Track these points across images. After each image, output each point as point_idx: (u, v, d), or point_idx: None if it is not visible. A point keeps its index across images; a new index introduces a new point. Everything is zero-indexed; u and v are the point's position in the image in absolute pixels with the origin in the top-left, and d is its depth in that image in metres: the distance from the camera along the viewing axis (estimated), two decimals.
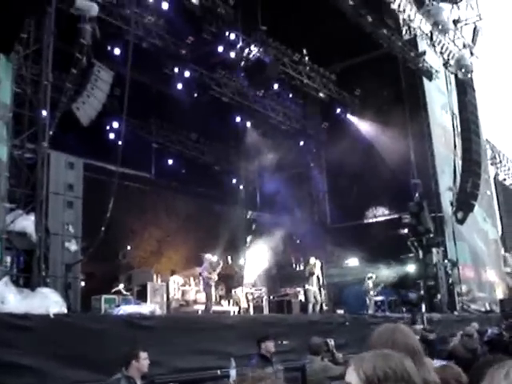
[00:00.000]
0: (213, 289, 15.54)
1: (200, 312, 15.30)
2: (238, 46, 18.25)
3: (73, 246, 10.99)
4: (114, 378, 6.06)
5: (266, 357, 7.97)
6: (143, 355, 6.17)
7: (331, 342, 8.53)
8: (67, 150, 12.23)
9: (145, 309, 11.76)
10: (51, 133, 10.54)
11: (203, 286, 15.51)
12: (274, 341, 8.22)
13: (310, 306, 16.33)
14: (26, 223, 9.47)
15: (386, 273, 21.09)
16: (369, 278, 18.86)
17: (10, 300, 8.14)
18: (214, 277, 15.22)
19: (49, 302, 8.52)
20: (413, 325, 14.07)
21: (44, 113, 10.28)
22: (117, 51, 16.57)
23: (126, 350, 6.37)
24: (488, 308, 22.09)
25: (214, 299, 15.92)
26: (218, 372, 9.02)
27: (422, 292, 18.84)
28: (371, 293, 18.59)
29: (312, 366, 7.84)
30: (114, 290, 14.96)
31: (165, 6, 16.54)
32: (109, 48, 16.45)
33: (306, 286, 16.74)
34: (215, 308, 15.70)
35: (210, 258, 15.68)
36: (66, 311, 8.86)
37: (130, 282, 15.71)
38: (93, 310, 13.14)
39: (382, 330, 2.62)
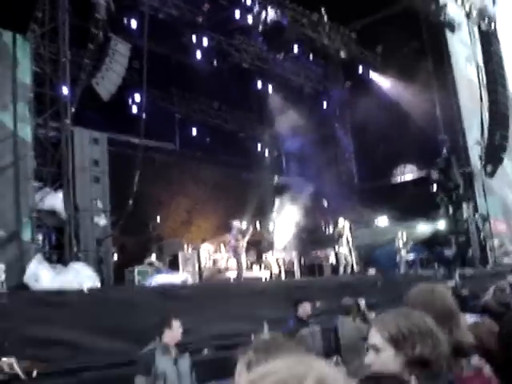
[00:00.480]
0: (243, 255, 15.64)
1: (232, 279, 15.44)
2: (255, 9, 18.01)
3: (102, 221, 11.15)
4: (149, 347, 6.16)
5: (303, 319, 8.03)
6: (176, 323, 6.24)
7: (362, 302, 8.56)
8: (90, 126, 12.32)
9: (177, 278, 11.94)
10: (73, 110, 10.61)
11: (232, 253, 15.62)
12: (310, 303, 8.28)
13: (341, 268, 16.38)
14: (55, 201, 9.61)
15: (417, 230, 21.00)
16: (399, 237, 18.81)
17: (44, 277, 8.32)
18: (243, 244, 15.30)
19: (82, 277, 8.70)
20: (450, 279, 14.11)
21: (65, 90, 10.33)
22: (133, 23, 16.47)
23: (158, 319, 6.47)
24: None
25: (244, 265, 16.05)
26: (252, 336, 9.13)
27: (456, 248, 18.71)
28: (402, 251, 18.54)
29: (344, 326, 7.89)
30: (146, 262, 15.18)
31: None
32: (125, 21, 16.36)
33: (337, 248, 16.78)
34: (247, 274, 15.83)
35: (239, 225, 15.75)
36: (99, 285, 9.03)
37: (161, 253, 15.90)
38: (126, 282, 13.38)
39: (419, 291, 2.59)
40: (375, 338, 2.01)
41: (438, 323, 2.05)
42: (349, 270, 16.51)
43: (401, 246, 18.57)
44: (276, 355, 1.72)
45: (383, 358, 1.97)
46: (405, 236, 18.82)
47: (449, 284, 10.88)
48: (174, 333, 6.21)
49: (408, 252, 18.89)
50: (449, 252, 17.97)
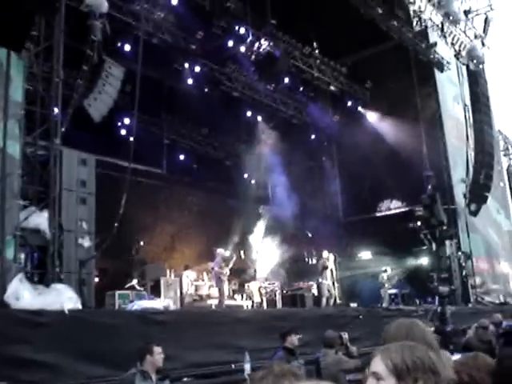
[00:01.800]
0: (225, 283, 15.57)
1: (213, 307, 15.34)
2: (248, 40, 18.20)
3: (86, 242, 11.04)
4: (129, 372, 6.11)
5: (291, 350, 7.98)
6: (157, 350, 6.22)
7: (345, 336, 8.54)
8: (79, 147, 12.28)
9: (158, 304, 11.82)
10: (63, 130, 10.58)
11: (215, 280, 15.54)
12: (297, 334, 8.23)
13: (324, 300, 16.36)
14: (40, 220, 9.51)
15: (399, 266, 21.06)
16: (383, 272, 18.86)
17: (25, 296, 8.19)
18: (226, 271, 15.25)
19: (63, 298, 8.57)
20: (442, 316, 14.22)
21: (56, 110, 10.30)
22: (127, 47, 16.62)
23: (140, 345, 6.41)
24: (502, 300, 21.98)
25: (227, 293, 15.97)
26: (233, 366, 9.05)
27: (453, 286, 18.74)
28: (386, 286, 18.57)
29: (326, 359, 7.86)
30: (127, 286, 15.04)
31: (174, 1, 16.55)
32: (119, 44, 16.51)
33: (320, 280, 16.77)
34: (228, 302, 15.74)
35: (223, 252, 15.72)
36: (80, 307, 8.91)
37: (143, 278, 15.76)
38: (107, 306, 13.22)
39: (398, 325, 2.61)
40: (379, 366, 2.00)
41: None
42: (331, 303, 16.48)
43: (385, 280, 18.59)
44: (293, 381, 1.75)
45: None
46: (390, 271, 18.87)
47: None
48: (154, 359, 6.18)
49: (392, 287, 18.92)
50: (444, 288, 17.98)
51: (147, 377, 6.05)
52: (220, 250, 15.72)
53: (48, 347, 7.32)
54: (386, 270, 18.90)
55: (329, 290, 16.48)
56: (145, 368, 6.09)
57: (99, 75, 12.21)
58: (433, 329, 10.92)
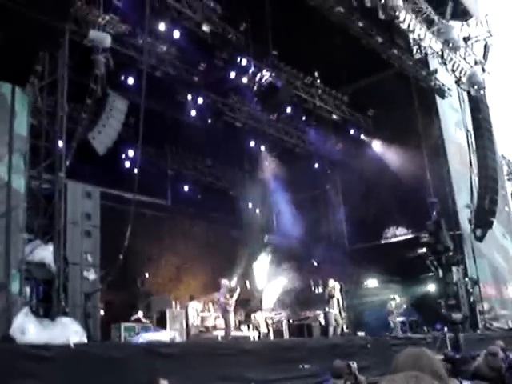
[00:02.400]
0: (231, 314, 15.47)
1: (220, 338, 15.23)
2: (250, 71, 18.40)
3: (91, 275, 11.01)
4: None
5: None
6: (164, 383, 6.16)
7: (354, 365, 8.46)
8: (84, 180, 12.33)
9: (164, 336, 11.75)
10: (68, 163, 10.66)
11: (221, 311, 15.45)
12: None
13: (331, 330, 16.21)
14: (45, 253, 9.52)
15: (406, 293, 20.93)
16: (391, 300, 18.75)
17: (31, 330, 8.15)
18: (232, 302, 15.16)
19: (69, 331, 8.53)
20: (456, 343, 14.14)
21: (60, 143, 10.39)
22: (130, 80, 16.79)
23: (146, 378, 6.36)
24: (511, 326, 21.74)
25: (233, 324, 15.86)
26: None
27: (466, 313, 18.61)
28: (394, 313, 18.44)
29: None
30: (133, 318, 14.98)
31: (176, 34, 16.74)
32: (123, 78, 16.67)
33: (327, 309, 16.65)
34: (235, 333, 15.64)
35: (227, 283, 15.66)
36: (86, 340, 8.86)
37: (148, 310, 15.72)
38: (113, 339, 13.15)
39: (406, 354, 2.58)
40: None
41: None
42: (338, 332, 16.33)
43: (393, 307, 18.47)
44: None
45: None
46: (398, 299, 18.76)
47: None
48: None
49: (400, 315, 18.79)
50: (457, 316, 17.84)
51: None
52: (225, 281, 15.66)
53: (54, 381, 7.26)
54: (394, 298, 18.79)
55: (336, 320, 16.34)
56: None
57: (103, 108, 12.34)
58: (442, 357, 10.83)
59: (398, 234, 23.88)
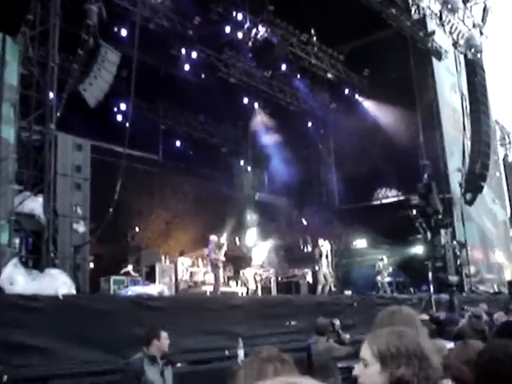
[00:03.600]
0: (221, 270, 15.58)
1: (208, 293, 15.37)
2: (246, 26, 18.11)
3: (81, 228, 11.01)
4: (137, 357, 6.12)
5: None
6: (164, 335, 6.24)
7: (337, 323, 8.57)
8: (74, 132, 12.21)
9: (153, 289, 11.84)
10: (58, 114, 10.55)
11: (211, 267, 15.54)
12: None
13: (320, 287, 16.40)
14: (34, 205, 9.50)
15: (395, 254, 21.11)
16: (380, 260, 18.92)
17: (20, 281, 8.20)
18: (221, 258, 15.25)
19: (58, 283, 8.58)
20: (451, 305, 14.49)
21: (51, 94, 10.27)
22: (123, 32, 16.50)
23: (147, 329, 6.41)
24: (496, 289, 22.06)
25: (222, 280, 15.99)
26: (226, 352, 9.08)
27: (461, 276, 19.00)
28: (384, 274, 18.64)
29: (317, 346, 7.88)
30: (122, 271, 15.07)
31: None
32: (115, 29, 16.37)
33: (316, 268, 16.82)
34: (223, 289, 15.76)
35: (215, 239, 15.70)
36: (74, 292, 8.92)
37: (138, 263, 15.79)
38: (102, 291, 13.25)
39: (384, 313, 2.63)
40: (365, 352, 2.04)
41: None
42: (327, 290, 16.53)
43: (381, 268, 18.66)
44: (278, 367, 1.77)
45: (369, 372, 2.00)
46: (386, 259, 18.93)
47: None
48: (161, 343, 6.20)
49: (388, 275, 18.98)
50: (453, 278, 18.12)
51: (154, 361, 6.08)
52: (213, 237, 15.70)
53: (42, 332, 7.33)
54: (382, 259, 18.95)
55: (325, 278, 16.52)
56: (151, 353, 6.11)
57: (95, 60, 12.13)
58: (428, 317, 10.99)
59: (389, 195, 23.97)
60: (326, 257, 17.00)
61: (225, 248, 15.58)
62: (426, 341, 2.47)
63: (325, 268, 16.70)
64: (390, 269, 18.97)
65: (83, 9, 11.76)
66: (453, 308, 15.04)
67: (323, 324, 8.17)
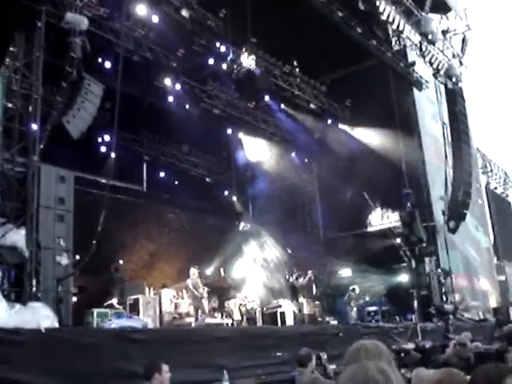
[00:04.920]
0: (203, 301, 15.50)
1: (193, 324, 15.24)
2: (229, 58, 18.28)
3: (64, 260, 10.92)
4: None
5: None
6: (165, 368, 6.10)
7: (324, 356, 8.47)
8: (58, 164, 12.17)
9: (137, 322, 11.72)
10: (42, 146, 10.54)
11: (192, 299, 15.46)
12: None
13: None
14: (17, 237, 9.42)
15: (380, 283, 21.13)
16: (351, 290, 18.98)
17: (1, 315, 8.08)
18: (202, 290, 15.18)
19: (40, 316, 8.47)
20: (447, 332, 14.66)
21: (34, 126, 10.27)
22: (107, 64, 16.54)
23: (146, 362, 6.30)
24: (482, 317, 22.11)
25: (206, 311, 15.90)
26: None
27: (455, 304, 19.15)
28: (351, 304, 18.70)
29: (301, 378, 7.77)
30: (106, 304, 14.91)
31: (155, 19, 16.53)
32: (99, 61, 16.43)
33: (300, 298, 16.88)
34: (208, 320, 15.64)
35: (195, 271, 15.68)
36: (57, 325, 8.81)
37: (122, 296, 15.64)
38: (85, 324, 13.08)
39: (350, 350, 2.64)
40: None
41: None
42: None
43: (352, 298, 18.77)
44: None
45: None
46: (357, 290, 19.03)
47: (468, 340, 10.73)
48: (163, 377, 6.06)
49: (362, 305, 19.03)
50: (448, 306, 18.28)
51: None
52: (193, 269, 15.68)
53: (24, 366, 7.21)
54: (354, 289, 19.02)
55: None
56: None
57: (78, 92, 12.16)
58: (413, 346, 10.98)
59: (373, 224, 24.04)
60: (308, 287, 17.13)
61: (205, 279, 15.52)
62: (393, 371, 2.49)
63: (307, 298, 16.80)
64: (361, 300, 19.00)
65: (67, 41, 11.83)
66: (448, 335, 15.14)
67: (305, 355, 8.03)
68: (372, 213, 22.88)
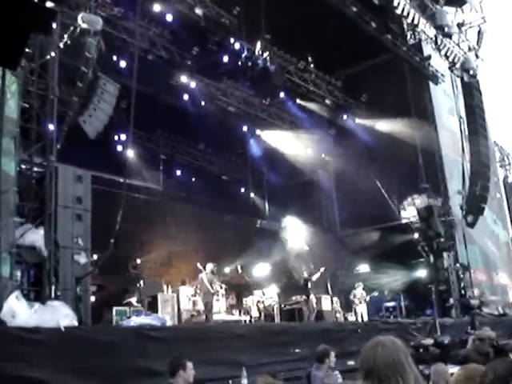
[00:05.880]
0: (215, 297, 15.48)
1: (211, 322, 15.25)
2: (243, 55, 18.28)
3: (82, 259, 10.98)
4: None
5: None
6: (190, 365, 6.09)
7: (332, 353, 8.48)
8: (75, 163, 12.25)
9: (155, 320, 11.76)
10: (59, 146, 10.61)
11: (201, 293, 15.41)
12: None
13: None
14: (36, 237, 9.50)
15: (398, 278, 21.05)
16: (354, 289, 18.88)
17: (21, 314, 8.15)
18: (216, 286, 15.18)
19: (59, 315, 8.54)
20: (472, 329, 14.64)
21: (51, 127, 10.34)
22: (122, 64, 16.64)
23: (171, 359, 6.30)
24: (501, 311, 21.91)
25: (224, 309, 15.94)
26: (230, 382, 8.99)
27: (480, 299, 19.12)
28: (356, 301, 18.63)
29: (317, 374, 7.80)
30: (124, 302, 15.00)
31: (169, 17, 16.60)
32: (114, 60, 16.53)
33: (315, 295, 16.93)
34: (226, 317, 15.67)
35: (211, 266, 15.67)
36: (76, 324, 8.87)
37: (140, 294, 15.72)
38: (104, 322, 13.17)
39: (367, 346, 2.63)
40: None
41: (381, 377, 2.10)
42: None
43: (356, 298, 18.76)
44: None
45: None
46: (361, 288, 18.96)
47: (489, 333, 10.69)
48: (187, 374, 6.05)
49: (366, 301, 18.95)
50: (475, 301, 18.22)
51: None
52: (208, 265, 15.71)
53: (44, 364, 7.28)
54: (358, 287, 18.90)
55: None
56: (177, 383, 5.98)
57: (94, 92, 12.22)
58: (432, 341, 10.92)
59: (390, 219, 23.91)
60: (326, 284, 17.10)
61: (217, 277, 15.47)
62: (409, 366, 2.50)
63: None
64: (366, 298, 18.87)
65: (82, 42, 11.89)
66: (474, 329, 15.12)
67: (322, 351, 8.08)
68: (389, 208, 22.75)
